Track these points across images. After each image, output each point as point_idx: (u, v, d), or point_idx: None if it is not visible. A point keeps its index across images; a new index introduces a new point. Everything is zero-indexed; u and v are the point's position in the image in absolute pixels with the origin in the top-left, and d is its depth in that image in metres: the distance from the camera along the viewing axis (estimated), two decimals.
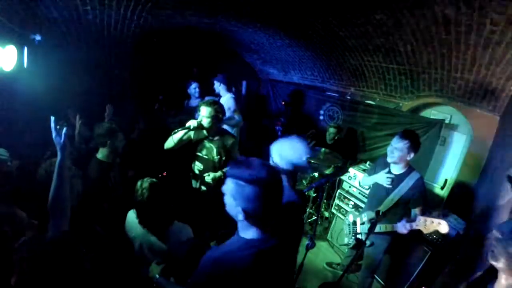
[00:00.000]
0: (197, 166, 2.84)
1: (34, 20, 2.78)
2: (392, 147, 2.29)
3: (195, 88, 4.55)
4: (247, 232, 1.11)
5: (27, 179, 1.92)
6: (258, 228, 1.10)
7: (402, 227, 2.19)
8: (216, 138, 2.75)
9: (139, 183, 1.86)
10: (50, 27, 2.99)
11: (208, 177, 2.71)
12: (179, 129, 2.55)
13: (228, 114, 4.11)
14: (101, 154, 2.48)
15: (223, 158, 2.76)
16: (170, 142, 2.63)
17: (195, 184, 2.90)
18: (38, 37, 2.78)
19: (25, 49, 2.54)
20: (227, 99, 4.15)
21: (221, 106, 2.68)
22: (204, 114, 2.57)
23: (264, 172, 1.03)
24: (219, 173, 2.74)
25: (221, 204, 1.16)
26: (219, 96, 4.28)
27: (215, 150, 2.74)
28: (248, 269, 1.03)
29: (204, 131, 2.72)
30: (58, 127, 1.50)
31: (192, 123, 2.55)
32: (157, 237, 1.85)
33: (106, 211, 2.25)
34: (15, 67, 2.43)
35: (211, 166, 2.78)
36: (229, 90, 4.23)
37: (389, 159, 2.36)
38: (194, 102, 4.62)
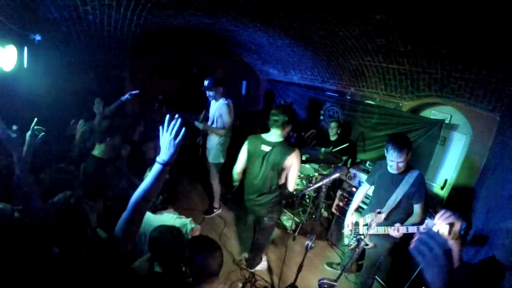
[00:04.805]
0: None
1: (34, 20, 2.77)
2: (394, 163, 2.25)
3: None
4: None
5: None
6: None
7: (415, 229, 2.17)
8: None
9: None
10: (50, 27, 2.99)
11: None
12: None
13: (219, 123, 3.61)
14: (97, 150, 2.50)
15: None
16: None
17: None
18: (38, 37, 2.77)
19: (25, 49, 2.53)
20: (220, 105, 3.60)
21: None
22: None
23: None
24: None
25: None
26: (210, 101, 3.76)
27: None
28: None
29: None
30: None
31: None
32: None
33: (103, 206, 2.26)
34: (15, 67, 2.42)
35: None
36: (223, 94, 3.65)
37: (393, 171, 2.35)
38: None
